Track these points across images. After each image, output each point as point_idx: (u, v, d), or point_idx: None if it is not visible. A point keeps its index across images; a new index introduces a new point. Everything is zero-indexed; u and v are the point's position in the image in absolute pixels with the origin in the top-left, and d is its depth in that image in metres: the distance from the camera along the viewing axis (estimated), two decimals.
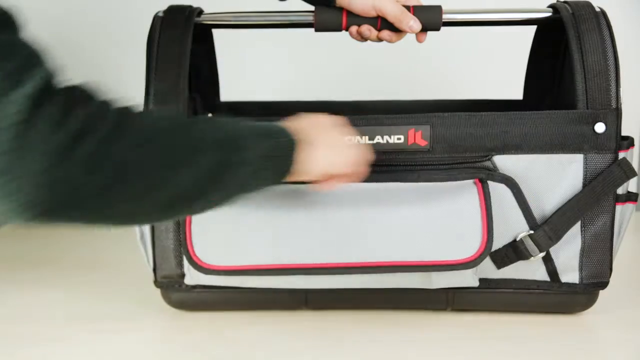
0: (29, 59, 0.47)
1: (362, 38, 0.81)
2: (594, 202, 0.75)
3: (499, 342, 0.75)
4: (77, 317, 0.84)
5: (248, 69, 1.29)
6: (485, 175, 0.75)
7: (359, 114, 0.87)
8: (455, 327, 0.79)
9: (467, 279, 0.76)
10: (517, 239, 0.76)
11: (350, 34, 0.81)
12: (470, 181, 0.75)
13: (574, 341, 0.76)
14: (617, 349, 0.75)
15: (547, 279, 0.78)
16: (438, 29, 0.81)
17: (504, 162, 0.75)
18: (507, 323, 0.80)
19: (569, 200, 0.75)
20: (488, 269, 0.77)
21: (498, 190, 0.75)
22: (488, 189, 0.74)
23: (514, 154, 0.75)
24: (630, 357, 0.73)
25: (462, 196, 0.73)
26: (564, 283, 0.78)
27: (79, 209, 0.49)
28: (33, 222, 0.47)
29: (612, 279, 0.79)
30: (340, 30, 0.81)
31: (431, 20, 0.79)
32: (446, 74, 1.30)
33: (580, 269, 0.78)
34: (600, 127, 0.74)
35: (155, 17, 0.79)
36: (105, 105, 0.50)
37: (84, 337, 0.78)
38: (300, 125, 0.67)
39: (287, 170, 0.64)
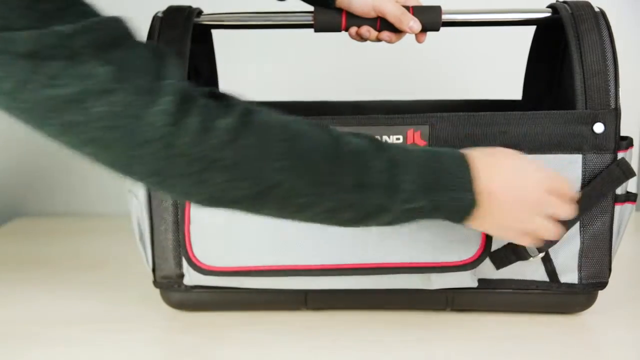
0: (156, 69, 0.50)
1: (362, 39, 0.81)
2: (593, 203, 0.75)
3: (498, 342, 0.75)
4: (77, 317, 0.84)
5: (248, 69, 1.29)
6: None
7: (359, 114, 0.88)
8: (455, 328, 0.79)
9: (466, 279, 0.76)
10: None
11: (350, 35, 0.81)
12: None
13: (573, 341, 0.76)
14: (617, 349, 0.75)
15: (546, 279, 0.78)
16: (437, 30, 0.81)
17: None
18: (507, 323, 0.80)
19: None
20: (487, 270, 0.77)
21: None
22: None
23: None
24: (629, 357, 0.73)
25: None
26: (563, 283, 0.78)
27: (228, 205, 0.55)
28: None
29: (611, 279, 0.79)
30: (339, 30, 0.81)
31: (431, 20, 0.79)
32: (445, 74, 1.30)
33: (580, 269, 0.78)
34: (599, 128, 0.74)
35: (155, 18, 0.80)
36: (241, 110, 0.54)
37: (84, 337, 0.78)
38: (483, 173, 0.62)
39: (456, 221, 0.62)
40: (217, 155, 0.51)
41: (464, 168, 0.61)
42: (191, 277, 0.78)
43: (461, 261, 0.74)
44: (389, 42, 0.81)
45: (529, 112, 0.75)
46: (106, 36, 0.48)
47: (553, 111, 0.75)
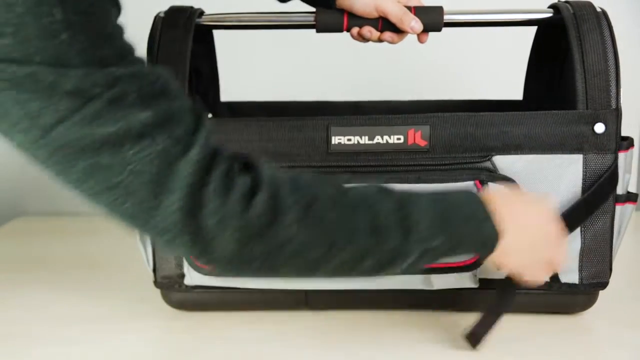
0: (193, 124, 0.50)
1: (364, 39, 0.81)
2: (598, 204, 0.75)
3: (499, 343, 0.75)
4: (77, 317, 0.84)
5: (248, 69, 1.29)
6: (485, 177, 0.75)
7: (359, 114, 0.88)
8: (456, 328, 0.79)
9: (467, 280, 0.76)
10: None
11: (352, 36, 0.81)
12: (471, 183, 0.74)
13: (574, 341, 0.76)
14: (617, 349, 0.75)
15: (547, 279, 0.78)
16: (439, 30, 0.81)
17: (504, 163, 0.75)
18: (507, 323, 0.79)
19: (574, 203, 0.75)
20: (488, 270, 0.77)
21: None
22: None
23: (514, 154, 0.75)
24: (630, 357, 0.73)
25: None
26: (564, 283, 0.78)
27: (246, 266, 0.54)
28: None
29: (612, 279, 0.79)
30: (341, 31, 0.81)
31: (433, 21, 0.79)
32: (446, 74, 1.30)
33: (580, 270, 0.78)
34: (599, 128, 0.74)
35: (157, 18, 0.80)
36: (265, 174, 0.54)
37: (84, 337, 0.78)
38: (502, 210, 0.61)
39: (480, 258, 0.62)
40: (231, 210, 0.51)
41: (476, 201, 0.61)
42: (192, 277, 0.78)
43: (462, 262, 0.74)
44: (391, 42, 0.81)
45: (530, 112, 0.75)
46: (152, 85, 0.48)
47: (554, 111, 0.75)
